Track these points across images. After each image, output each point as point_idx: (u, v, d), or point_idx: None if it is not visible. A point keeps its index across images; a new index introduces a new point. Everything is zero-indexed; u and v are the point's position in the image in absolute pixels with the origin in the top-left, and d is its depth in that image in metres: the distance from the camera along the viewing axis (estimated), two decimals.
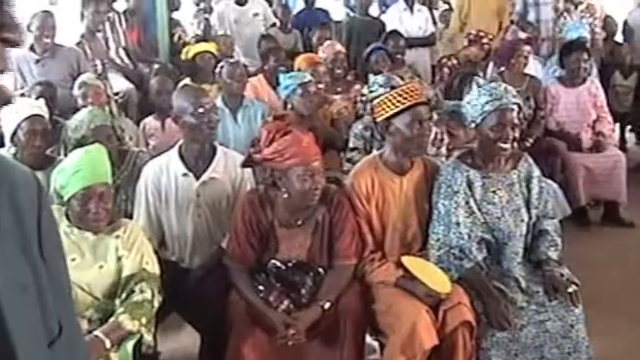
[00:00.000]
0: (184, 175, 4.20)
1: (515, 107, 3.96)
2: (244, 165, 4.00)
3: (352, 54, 8.14)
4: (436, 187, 4.04)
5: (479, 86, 4.04)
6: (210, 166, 4.23)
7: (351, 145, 5.23)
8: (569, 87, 6.93)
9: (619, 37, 9.12)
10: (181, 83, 5.97)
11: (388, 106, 3.97)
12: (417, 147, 4.04)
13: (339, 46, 7.35)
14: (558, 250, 4.09)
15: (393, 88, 4.14)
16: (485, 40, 7.71)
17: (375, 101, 4.13)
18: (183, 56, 7.54)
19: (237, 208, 3.99)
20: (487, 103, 3.90)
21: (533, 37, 7.92)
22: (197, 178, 4.21)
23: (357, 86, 6.98)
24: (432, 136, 5.05)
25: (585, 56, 6.95)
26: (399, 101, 3.95)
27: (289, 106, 5.39)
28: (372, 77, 6.68)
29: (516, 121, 3.95)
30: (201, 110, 4.14)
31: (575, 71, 6.91)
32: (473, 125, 3.99)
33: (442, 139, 5.15)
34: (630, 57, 8.33)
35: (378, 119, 4.08)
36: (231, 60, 6.35)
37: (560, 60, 7.11)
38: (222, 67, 6.05)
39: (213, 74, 6.39)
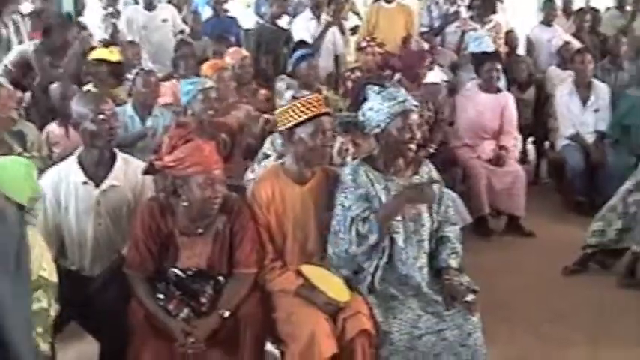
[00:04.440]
0: (84, 183, 4.15)
1: (416, 109, 4.06)
2: (146, 172, 3.97)
3: (261, 62, 8.17)
4: (339, 186, 4.06)
5: (378, 92, 4.08)
6: (110, 174, 4.19)
7: (266, 150, 5.11)
8: (484, 92, 7.18)
9: (520, 51, 9.33)
10: (84, 88, 5.89)
11: (292, 116, 4.00)
12: (320, 157, 4.07)
13: (245, 52, 7.36)
14: (459, 257, 4.16)
15: (295, 98, 4.17)
16: (376, 49, 7.87)
17: (279, 111, 4.14)
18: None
19: (136, 215, 3.97)
20: (392, 106, 3.97)
21: (435, 47, 8.15)
22: (97, 186, 4.16)
23: (264, 91, 7.01)
24: (338, 145, 5.10)
25: (498, 66, 7.21)
26: (302, 111, 3.98)
27: (189, 111, 5.33)
28: (279, 85, 6.77)
29: (419, 121, 4.07)
30: (101, 117, 4.10)
31: (488, 79, 7.17)
32: (378, 130, 4.01)
33: (347, 149, 5.19)
34: (528, 71, 8.53)
35: (281, 128, 4.09)
36: (147, 68, 6.29)
37: (477, 69, 7.40)
38: (137, 74, 5.97)
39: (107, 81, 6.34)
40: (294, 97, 4.25)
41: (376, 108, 4.02)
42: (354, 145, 5.25)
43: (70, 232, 4.19)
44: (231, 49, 7.34)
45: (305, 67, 6.75)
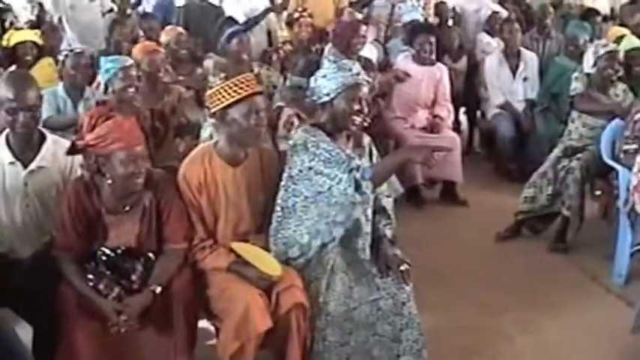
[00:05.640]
0: (11, 163, 4.07)
1: (367, 84, 4.06)
2: (69, 153, 3.92)
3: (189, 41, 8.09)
4: (290, 151, 3.99)
5: (334, 62, 4.08)
6: (38, 155, 4.12)
7: None
8: (418, 64, 7.23)
9: (449, 23, 9.38)
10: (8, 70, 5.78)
11: (224, 97, 3.92)
12: (253, 137, 4.00)
13: (180, 29, 7.31)
14: (393, 228, 4.20)
15: (227, 78, 4.13)
16: (307, 20, 7.88)
17: (211, 91, 4.06)
18: (4, 43, 7.30)
19: (63, 197, 3.93)
20: (346, 77, 3.95)
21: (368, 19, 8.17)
22: (25, 166, 4.09)
23: (200, 70, 6.96)
24: (284, 117, 5.18)
25: (432, 39, 7.22)
26: (235, 91, 3.90)
27: (110, 90, 5.25)
28: (207, 64, 6.73)
29: (367, 97, 4.06)
30: (14, 105, 3.98)
31: (422, 52, 7.18)
32: (327, 98, 3.98)
33: (292, 122, 5.20)
34: (459, 41, 8.61)
35: (214, 109, 4.02)
36: (77, 50, 6.21)
37: (410, 41, 7.42)
38: (66, 56, 5.92)
39: (32, 64, 6.27)
40: (225, 77, 4.21)
41: (329, 76, 3.99)
42: (298, 119, 5.27)
43: None
44: (168, 27, 7.30)
45: (236, 44, 6.70)
